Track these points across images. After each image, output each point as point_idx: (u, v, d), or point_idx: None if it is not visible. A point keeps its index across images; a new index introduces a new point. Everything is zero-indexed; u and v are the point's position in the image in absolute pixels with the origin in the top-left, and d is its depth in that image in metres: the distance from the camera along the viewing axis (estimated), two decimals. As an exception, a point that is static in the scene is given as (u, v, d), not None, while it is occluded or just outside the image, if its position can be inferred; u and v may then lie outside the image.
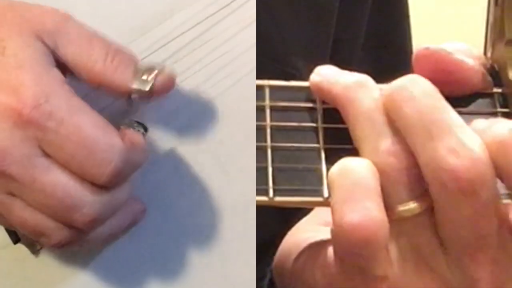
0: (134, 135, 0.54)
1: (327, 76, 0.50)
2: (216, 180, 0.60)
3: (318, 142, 0.50)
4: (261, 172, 0.49)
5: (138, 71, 0.55)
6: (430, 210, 0.47)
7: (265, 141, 0.49)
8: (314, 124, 0.50)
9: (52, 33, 0.53)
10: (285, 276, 0.53)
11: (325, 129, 0.50)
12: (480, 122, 0.47)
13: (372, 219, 0.45)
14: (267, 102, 0.50)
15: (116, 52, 0.55)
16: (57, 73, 0.53)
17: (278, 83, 0.51)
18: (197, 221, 0.60)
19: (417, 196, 0.46)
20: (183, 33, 0.59)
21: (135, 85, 0.54)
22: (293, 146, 0.49)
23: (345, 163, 0.47)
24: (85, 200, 0.52)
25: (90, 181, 0.52)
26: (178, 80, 0.57)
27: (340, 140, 0.49)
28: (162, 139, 0.60)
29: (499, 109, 0.51)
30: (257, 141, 0.49)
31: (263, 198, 0.48)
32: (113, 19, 0.58)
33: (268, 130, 0.50)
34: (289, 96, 0.51)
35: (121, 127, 0.55)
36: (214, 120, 0.60)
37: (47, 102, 0.51)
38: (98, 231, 0.54)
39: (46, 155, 0.52)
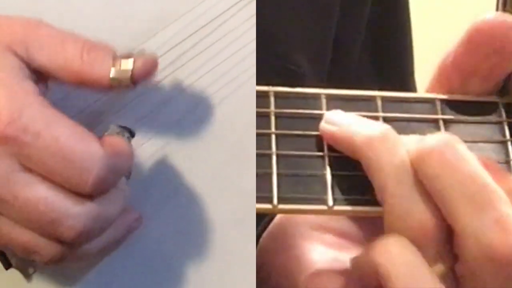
0: (116, 140, 0.54)
1: (342, 125, 0.49)
2: (216, 187, 0.59)
3: (322, 150, 0.49)
4: (265, 179, 0.48)
5: (116, 61, 0.53)
6: (453, 267, 0.47)
7: (270, 148, 0.49)
8: (319, 132, 0.50)
9: (23, 41, 0.52)
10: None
11: None
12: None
13: None
14: (272, 109, 0.50)
15: (91, 46, 0.53)
16: (30, 85, 0.52)
17: (283, 89, 0.51)
18: (196, 227, 0.60)
19: (443, 257, 0.47)
20: (181, 41, 0.59)
21: (115, 75, 0.53)
22: (298, 154, 0.49)
23: (389, 250, 0.46)
24: (69, 213, 0.51)
25: (74, 191, 0.51)
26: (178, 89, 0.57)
27: None
28: (159, 147, 0.59)
29: (505, 119, 0.51)
30: (262, 148, 0.49)
31: (267, 206, 0.48)
32: (98, 38, 0.57)
33: (273, 137, 0.49)
34: (294, 103, 0.51)
35: (105, 133, 0.54)
36: (214, 127, 0.59)
37: (22, 116, 0.50)
38: (91, 245, 0.54)
39: (26, 169, 0.51)
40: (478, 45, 0.49)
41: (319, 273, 0.51)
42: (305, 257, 0.52)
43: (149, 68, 0.54)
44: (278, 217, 0.55)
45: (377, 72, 0.74)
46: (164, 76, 0.59)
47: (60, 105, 0.53)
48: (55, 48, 0.53)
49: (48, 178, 0.51)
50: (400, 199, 0.46)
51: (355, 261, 0.49)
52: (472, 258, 0.46)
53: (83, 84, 0.53)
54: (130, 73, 0.53)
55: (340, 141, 0.49)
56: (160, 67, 0.58)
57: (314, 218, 0.54)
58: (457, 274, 0.47)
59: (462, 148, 0.47)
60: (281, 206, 0.48)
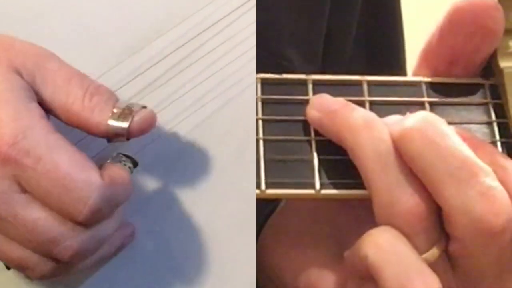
0: (116, 170, 0.54)
1: (328, 112, 0.49)
2: (217, 190, 0.59)
3: (309, 134, 0.50)
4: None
5: (116, 111, 0.53)
6: (446, 247, 0.47)
7: (257, 134, 0.49)
8: (305, 117, 0.50)
9: (32, 71, 0.52)
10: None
11: None
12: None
13: None
14: (258, 95, 0.51)
15: (95, 91, 0.53)
16: (35, 107, 0.52)
17: (269, 76, 0.51)
18: (196, 230, 0.60)
19: (436, 239, 0.47)
20: (183, 44, 0.59)
21: (112, 125, 0.53)
22: (285, 139, 0.49)
23: (376, 241, 0.46)
24: (67, 234, 0.51)
25: (68, 218, 0.51)
26: (179, 93, 0.58)
27: None
28: (160, 150, 0.59)
29: (490, 100, 0.51)
30: (249, 134, 0.49)
31: (255, 191, 0.48)
32: (105, 37, 0.58)
33: (260, 123, 0.50)
34: (281, 89, 0.51)
35: (107, 161, 0.54)
36: (215, 131, 0.59)
37: (25, 139, 0.50)
38: (84, 262, 0.54)
39: (25, 191, 0.51)
40: (460, 25, 0.49)
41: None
42: (306, 254, 0.53)
43: (146, 126, 0.54)
44: (280, 209, 0.55)
45: (369, 62, 0.74)
46: (168, 79, 0.59)
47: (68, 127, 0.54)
48: (60, 86, 0.53)
49: (44, 202, 0.51)
50: (387, 186, 0.47)
51: (347, 255, 0.49)
52: (463, 235, 0.46)
53: (79, 127, 0.54)
54: (126, 128, 0.53)
55: (325, 127, 0.49)
56: (165, 68, 0.58)
57: (315, 211, 0.54)
58: (451, 255, 0.47)
59: (442, 124, 0.47)
60: (269, 191, 0.48)
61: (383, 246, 0.46)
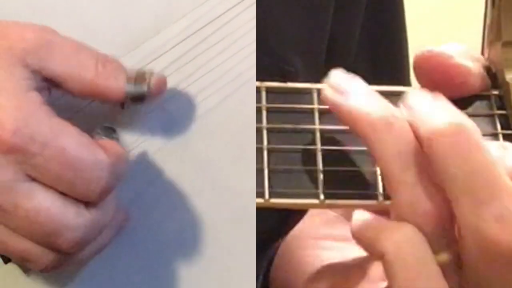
0: (113, 145, 0.54)
1: (348, 98, 0.47)
2: (215, 187, 0.59)
3: (314, 144, 0.50)
4: (257, 174, 0.48)
5: (130, 76, 0.54)
6: (456, 254, 0.46)
7: (261, 142, 0.49)
8: (310, 126, 0.50)
9: (36, 50, 0.52)
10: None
11: (321, 130, 0.50)
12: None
13: None
14: (263, 104, 0.50)
15: (106, 59, 0.53)
16: (35, 95, 0.51)
17: (275, 84, 0.51)
18: (195, 226, 0.60)
19: (447, 244, 0.46)
20: (183, 40, 0.59)
21: (131, 89, 0.54)
22: (289, 148, 0.49)
23: (395, 239, 0.45)
24: (69, 225, 0.51)
25: (80, 199, 0.52)
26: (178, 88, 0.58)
27: (336, 141, 0.49)
28: (155, 147, 0.59)
29: (496, 111, 0.51)
30: (253, 143, 0.49)
31: (259, 200, 0.48)
32: (104, 33, 0.58)
33: (265, 132, 0.50)
34: (286, 98, 0.51)
35: (96, 137, 0.54)
36: (213, 128, 0.59)
37: (27, 126, 0.50)
38: (85, 251, 0.54)
39: (29, 179, 0.50)
40: (427, 73, 0.49)
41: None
42: (310, 267, 0.53)
43: (162, 86, 0.55)
44: (288, 236, 0.56)
45: (374, 72, 0.74)
46: (167, 75, 0.59)
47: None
48: (69, 57, 0.53)
49: (53, 187, 0.51)
50: (405, 186, 0.45)
51: (355, 230, 0.48)
52: (470, 250, 0.45)
53: (94, 95, 0.53)
54: (146, 89, 0.54)
55: (344, 116, 0.47)
56: (163, 66, 0.58)
57: (317, 229, 0.55)
58: (461, 265, 0.47)
59: (471, 128, 0.45)
60: (272, 201, 0.48)
61: (403, 245, 0.45)
